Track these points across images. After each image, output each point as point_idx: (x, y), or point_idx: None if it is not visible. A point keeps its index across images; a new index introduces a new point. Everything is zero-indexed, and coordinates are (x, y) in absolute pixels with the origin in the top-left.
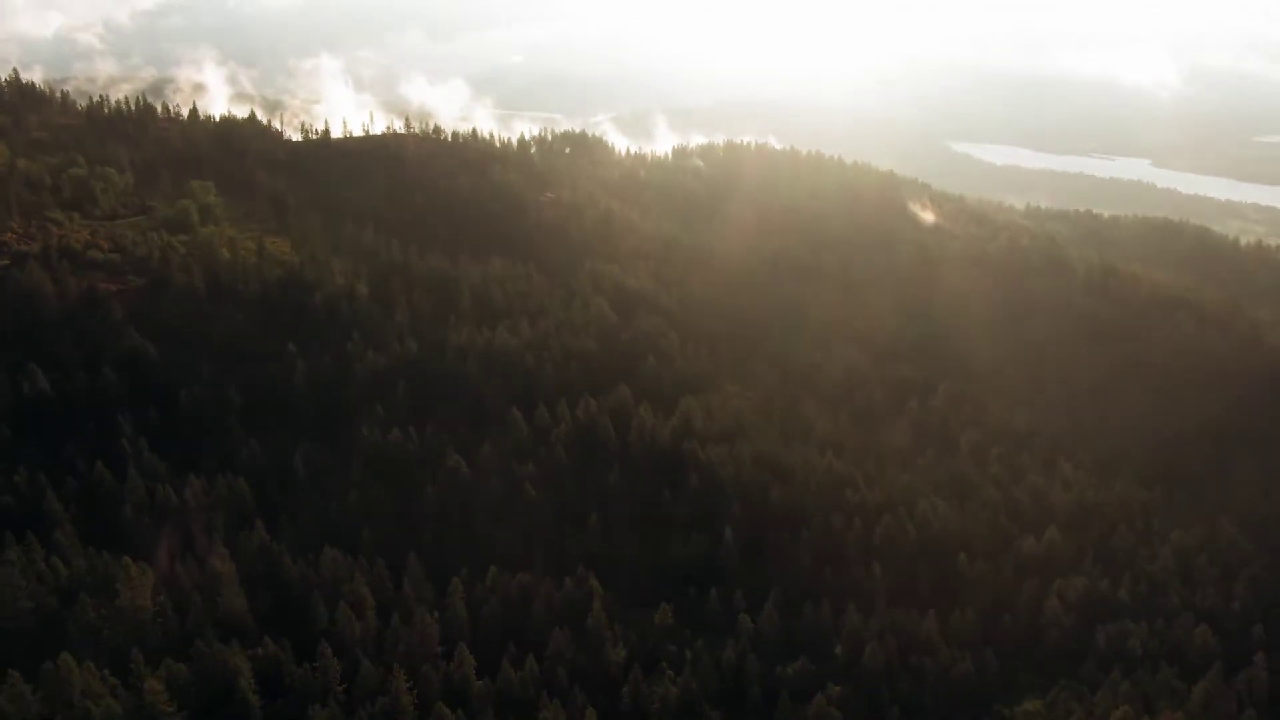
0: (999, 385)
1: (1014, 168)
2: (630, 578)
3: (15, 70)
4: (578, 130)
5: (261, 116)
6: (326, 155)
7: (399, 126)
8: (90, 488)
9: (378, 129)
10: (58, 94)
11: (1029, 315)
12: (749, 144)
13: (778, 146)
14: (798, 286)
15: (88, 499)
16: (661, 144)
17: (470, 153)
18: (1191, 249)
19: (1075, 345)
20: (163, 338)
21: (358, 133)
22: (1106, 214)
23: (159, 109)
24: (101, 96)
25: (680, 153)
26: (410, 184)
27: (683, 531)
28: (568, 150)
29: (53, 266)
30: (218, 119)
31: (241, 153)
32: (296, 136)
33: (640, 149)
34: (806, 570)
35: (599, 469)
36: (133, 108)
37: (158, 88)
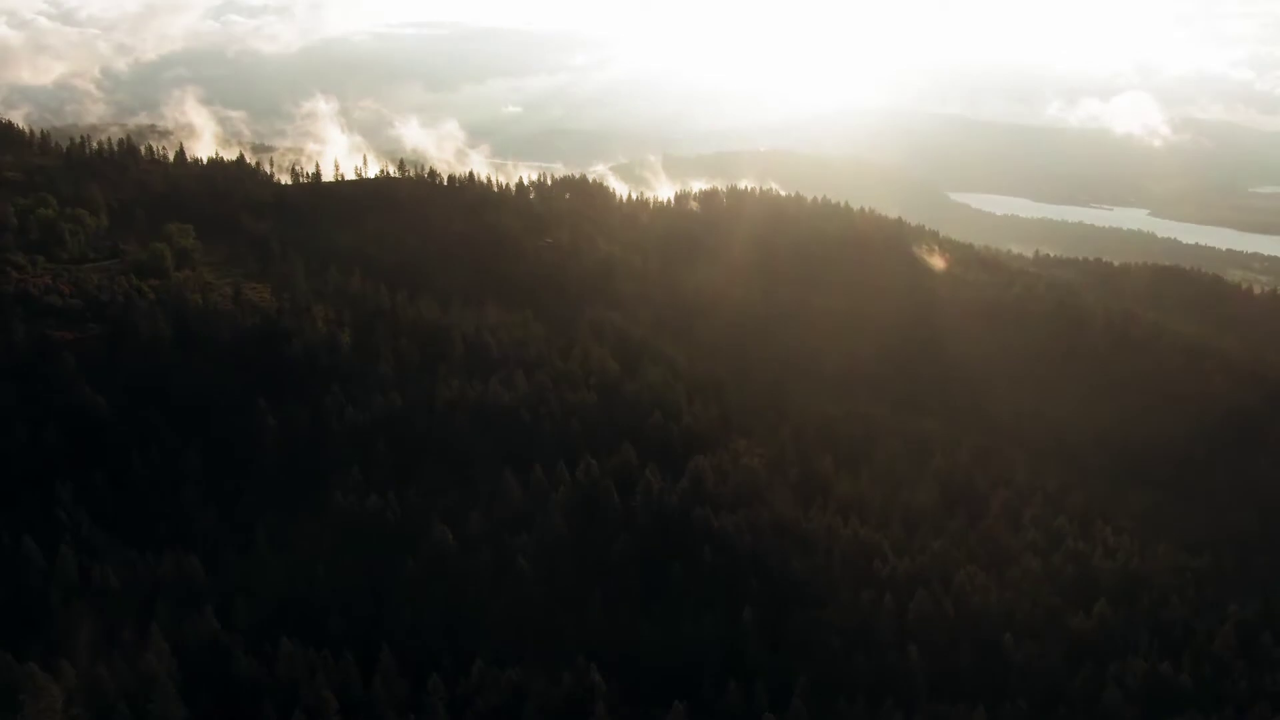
0: (1025, 439)
1: (1013, 217)
2: (637, 670)
3: None
4: (577, 176)
5: (251, 159)
6: (316, 198)
7: (393, 171)
8: (14, 568)
9: (371, 173)
10: (38, 134)
11: (1051, 365)
12: (753, 189)
13: (782, 193)
14: (809, 335)
15: (8, 582)
16: (662, 192)
17: (466, 196)
18: (1204, 296)
19: (1100, 397)
20: (119, 392)
21: (350, 176)
22: (1116, 262)
23: (144, 151)
24: (83, 137)
25: (683, 198)
26: (402, 228)
27: (695, 610)
28: (567, 196)
29: (4, 312)
30: (204, 161)
31: (226, 195)
32: (286, 180)
33: (642, 195)
34: (836, 655)
35: (601, 539)
36: (115, 149)
37: (146, 132)
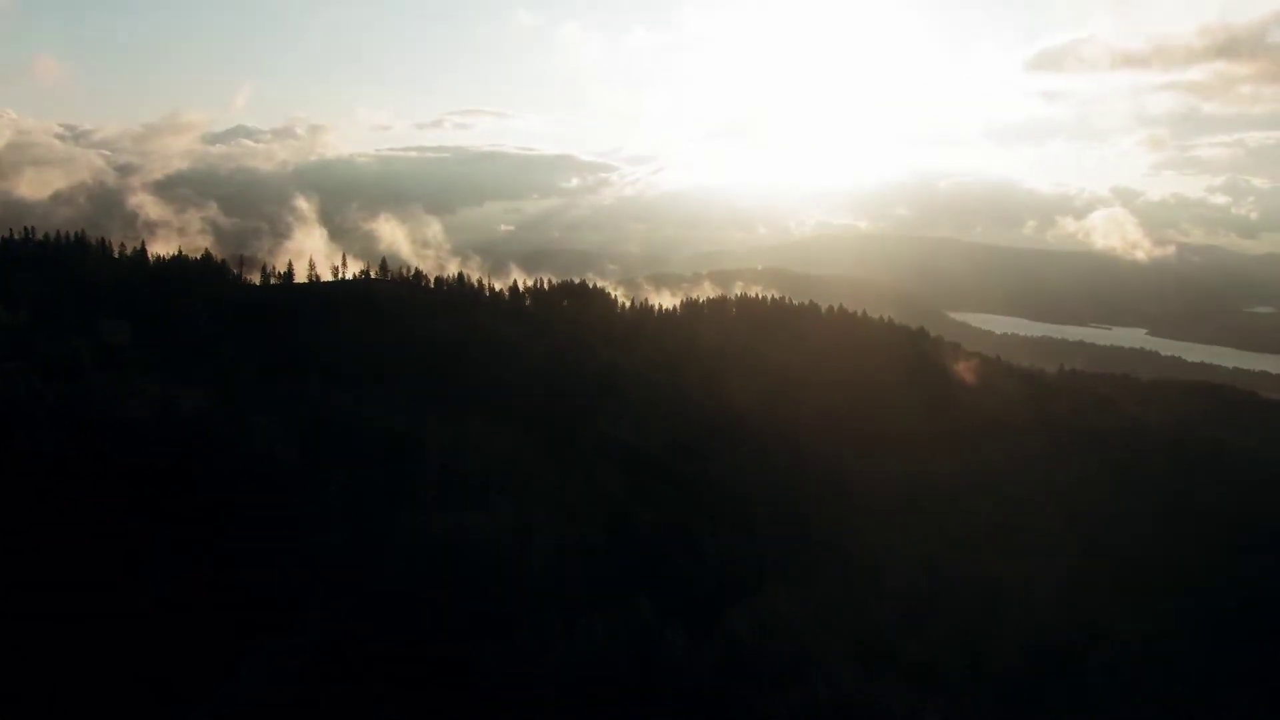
0: (1103, 581)
1: (1014, 336)
2: None
3: None
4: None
5: (218, 257)
6: (285, 298)
7: (374, 273)
8: None
9: (350, 275)
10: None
11: (1108, 488)
12: (765, 297)
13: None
14: (844, 456)
15: None
16: (664, 302)
17: (454, 298)
18: (1241, 412)
19: (1171, 523)
20: None
21: (327, 277)
22: (1146, 378)
23: (95, 245)
24: (26, 230)
25: (691, 306)
26: (379, 330)
27: None
28: (564, 302)
29: None
30: (165, 258)
31: (183, 293)
32: (256, 280)
33: (645, 302)
34: None
35: None
36: (63, 241)
37: (110, 230)
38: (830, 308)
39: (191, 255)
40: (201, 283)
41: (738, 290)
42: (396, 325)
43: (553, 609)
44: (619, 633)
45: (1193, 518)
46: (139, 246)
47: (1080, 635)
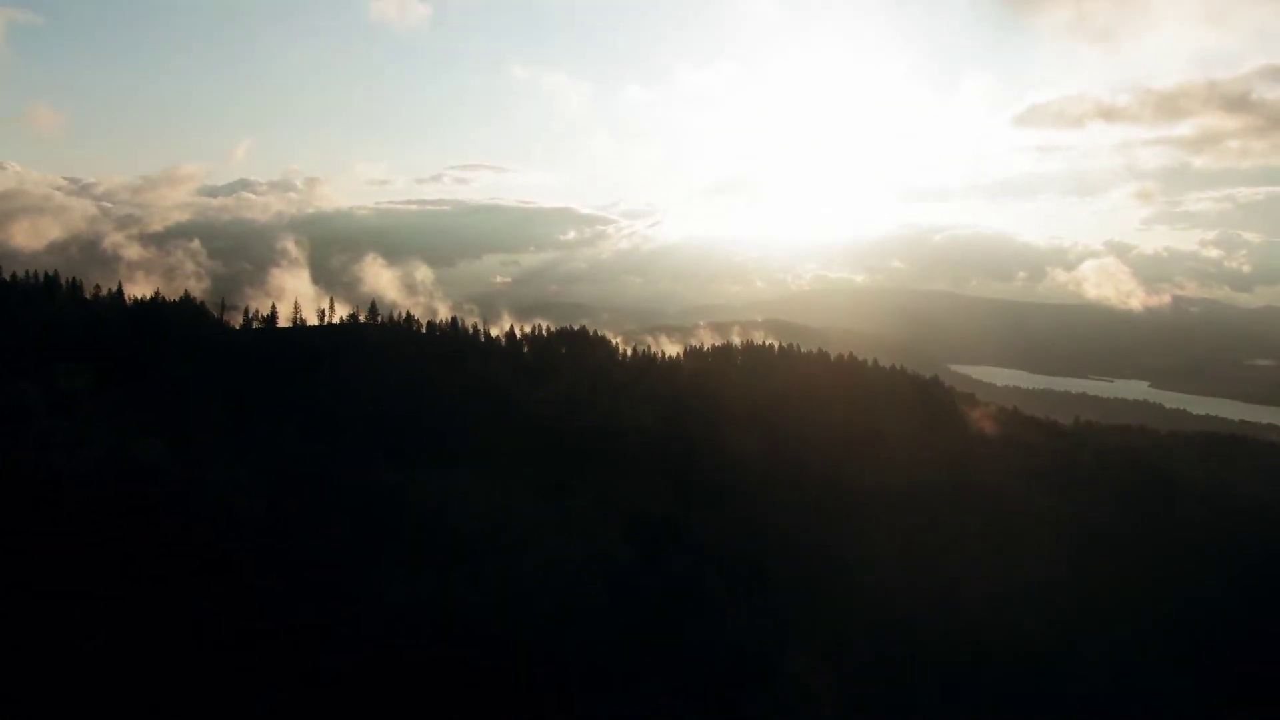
0: (1152, 647)
1: (1015, 388)
2: None
3: None
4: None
5: (201, 299)
6: (265, 342)
7: (363, 316)
8: None
9: (338, 318)
10: None
11: (1149, 546)
12: (772, 345)
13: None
14: (865, 513)
15: None
16: (667, 350)
17: (446, 343)
18: (1264, 462)
19: (1215, 579)
20: None
21: (314, 321)
22: (1163, 429)
23: (65, 286)
24: None
25: (695, 354)
26: (364, 376)
27: None
28: (564, 350)
29: None
30: (142, 299)
31: (157, 337)
32: (238, 324)
33: (649, 348)
34: None
35: None
36: (31, 280)
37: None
38: (840, 356)
39: (171, 298)
40: (178, 325)
41: (737, 338)
42: (383, 372)
43: (551, 689)
44: (627, 715)
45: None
46: (115, 288)
47: (1129, 700)
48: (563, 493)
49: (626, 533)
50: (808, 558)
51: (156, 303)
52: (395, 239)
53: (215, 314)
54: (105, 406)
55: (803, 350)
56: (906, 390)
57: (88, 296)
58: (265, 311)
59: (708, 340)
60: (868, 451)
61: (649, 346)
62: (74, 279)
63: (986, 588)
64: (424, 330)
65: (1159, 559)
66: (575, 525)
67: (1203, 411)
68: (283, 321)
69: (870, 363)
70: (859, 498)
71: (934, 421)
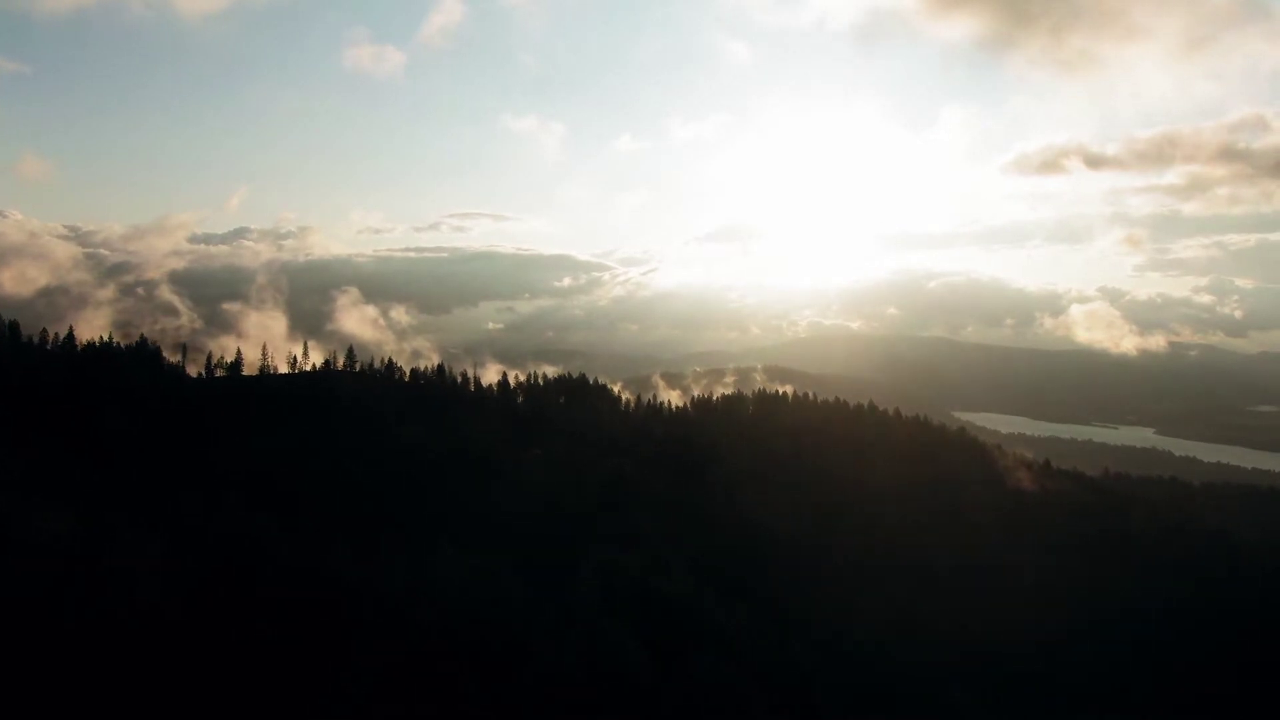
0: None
1: (1021, 435)
2: None
3: None
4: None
5: (155, 343)
6: (224, 393)
7: (337, 363)
8: None
9: (313, 364)
10: None
11: (1212, 614)
12: (784, 393)
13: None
14: (897, 579)
15: None
16: (671, 400)
17: (430, 394)
18: None
19: None
20: None
21: (284, 368)
22: (1196, 482)
23: (14, 329)
24: None
25: (702, 405)
26: (335, 431)
27: None
28: (561, 400)
29: None
30: (90, 343)
31: (100, 388)
32: (198, 372)
33: (654, 398)
34: None
35: None
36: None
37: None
38: (861, 405)
39: (125, 343)
40: (125, 374)
41: (732, 385)
42: (356, 427)
43: None
44: None
45: None
46: (66, 332)
47: None
48: (557, 571)
49: (636, 620)
50: (848, 644)
51: (107, 348)
52: (391, 285)
53: (170, 360)
54: (20, 466)
55: (820, 400)
56: (943, 443)
57: (33, 340)
58: (230, 357)
59: (713, 387)
60: (902, 505)
61: (654, 396)
62: (14, 322)
63: (1024, 663)
64: (406, 379)
65: (1228, 632)
66: (576, 609)
67: (1213, 459)
68: (249, 369)
69: (893, 411)
70: (883, 559)
71: (962, 475)
